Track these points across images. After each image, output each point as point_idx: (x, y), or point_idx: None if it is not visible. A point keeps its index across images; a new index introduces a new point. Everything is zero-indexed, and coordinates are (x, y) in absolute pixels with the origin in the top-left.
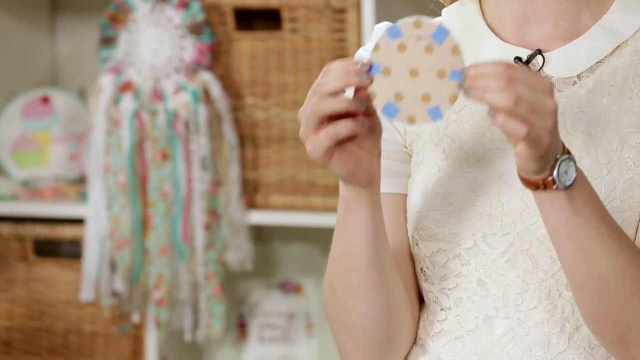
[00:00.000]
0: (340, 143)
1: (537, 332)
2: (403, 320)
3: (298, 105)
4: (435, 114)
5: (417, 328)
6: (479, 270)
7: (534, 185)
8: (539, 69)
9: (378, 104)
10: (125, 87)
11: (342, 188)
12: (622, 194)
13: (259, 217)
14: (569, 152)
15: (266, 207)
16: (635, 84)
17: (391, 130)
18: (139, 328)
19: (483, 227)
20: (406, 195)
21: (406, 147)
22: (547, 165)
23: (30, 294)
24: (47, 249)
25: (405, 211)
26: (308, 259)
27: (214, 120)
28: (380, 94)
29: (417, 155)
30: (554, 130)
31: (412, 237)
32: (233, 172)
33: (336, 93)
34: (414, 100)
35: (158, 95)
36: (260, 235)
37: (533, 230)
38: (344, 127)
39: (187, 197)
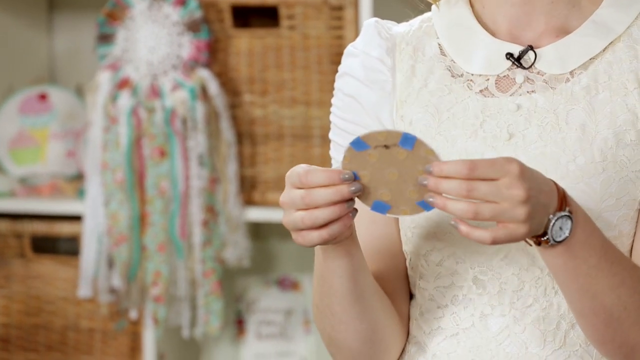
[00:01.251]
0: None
1: (533, 330)
2: (391, 337)
3: (296, 103)
4: (426, 206)
5: (411, 326)
6: (474, 268)
7: (529, 243)
8: (531, 65)
9: (367, 203)
10: (123, 84)
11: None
12: (618, 192)
13: (256, 214)
14: (563, 202)
15: (264, 204)
16: (630, 81)
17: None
18: (136, 324)
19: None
20: None
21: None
22: (538, 230)
23: (27, 291)
24: (45, 246)
25: None
26: (306, 256)
27: (212, 117)
28: (365, 195)
29: None
30: (531, 216)
31: (405, 235)
32: (231, 169)
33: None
34: (401, 197)
35: (156, 92)
36: (258, 232)
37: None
38: (337, 229)
39: (184, 194)
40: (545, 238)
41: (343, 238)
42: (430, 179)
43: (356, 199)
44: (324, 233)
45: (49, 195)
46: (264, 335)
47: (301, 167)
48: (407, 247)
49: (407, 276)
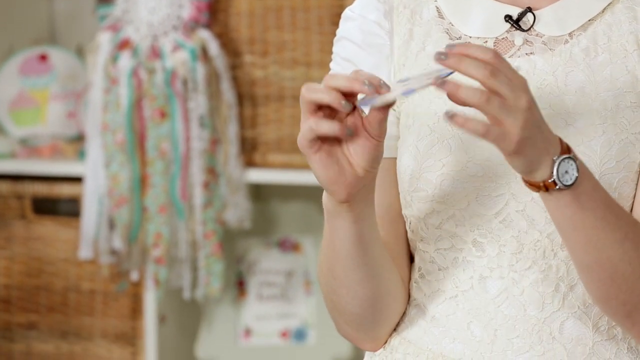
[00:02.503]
0: (329, 145)
1: (532, 292)
2: (393, 303)
3: (296, 64)
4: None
5: (411, 288)
6: (473, 231)
7: (535, 187)
8: (530, 27)
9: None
10: (123, 45)
11: (324, 196)
12: (618, 154)
13: (257, 176)
14: (568, 150)
15: (265, 165)
16: (629, 43)
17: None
18: (137, 286)
19: (476, 189)
20: (395, 158)
21: (394, 110)
22: (537, 164)
23: (28, 252)
24: (46, 207)
25: (395, 174)
26: (307, 217)
27: (212, 79)
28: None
29: (406, 117)
30: (526, 127)
31: (404, 199)
32: (231, 131)
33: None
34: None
35: (156, 53)
36: (259, 193)
37: (528, 191)
38: (325, 124)
39: (185, 155)
40: (552, 180)
41: (337, 190)
42: (453, 56)
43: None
44: (312, 122)
45: (49, 156)
46: (265, 296)
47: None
48: (406, 211)
49: (407, 240)
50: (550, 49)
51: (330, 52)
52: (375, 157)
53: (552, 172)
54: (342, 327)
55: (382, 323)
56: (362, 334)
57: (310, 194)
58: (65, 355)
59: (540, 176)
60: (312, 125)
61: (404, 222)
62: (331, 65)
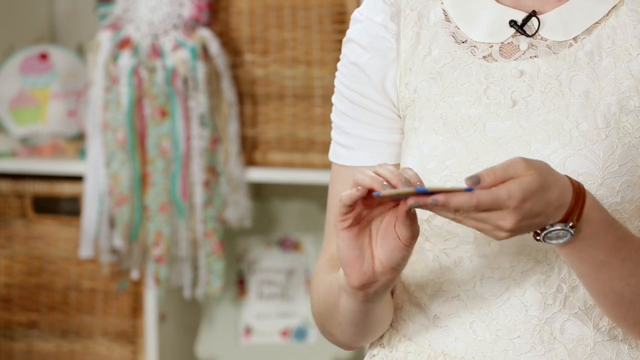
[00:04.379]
0: (360, 228)
1: (533, 293)
2: (383, 329)
3: (297, 62)
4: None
5: (412, 287)
6: (476, 232)
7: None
8: (534, 33)
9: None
10: (124, 43)
11: (342, 274)
12: (621, 158)
13: (258, 174)
14: (569, 218)
15: (265, 164)
16: (633, 47)
17: (381, 97)
18: (138, 285)
19: None
20: (397, 164)
21: (399, 114)
22: (529, 231)
23: (29, 251)
24: (46, 206)
25: None
26: (307, 216)
27: (213, 77)
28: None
29: (412, 120)
30: (513, 234)
31: None
32: (232, 129)
33: None
34: None
35: (156, 52)
36: (259, 192)
37: None
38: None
39: (185, 154)
40: (537, 238)
41: (351, 274)
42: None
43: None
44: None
45: (50, 155)
46: (265, 295)
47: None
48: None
49: None
50: (554, 53)
51: (332, 50)
52: (399, 260)
53: (540, 232)
54: (325, 334)
55: (368, 341)
56: (347, 344)
57: (311, 193)
58: (65, 354)
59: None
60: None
61: None
62: (338, 65)
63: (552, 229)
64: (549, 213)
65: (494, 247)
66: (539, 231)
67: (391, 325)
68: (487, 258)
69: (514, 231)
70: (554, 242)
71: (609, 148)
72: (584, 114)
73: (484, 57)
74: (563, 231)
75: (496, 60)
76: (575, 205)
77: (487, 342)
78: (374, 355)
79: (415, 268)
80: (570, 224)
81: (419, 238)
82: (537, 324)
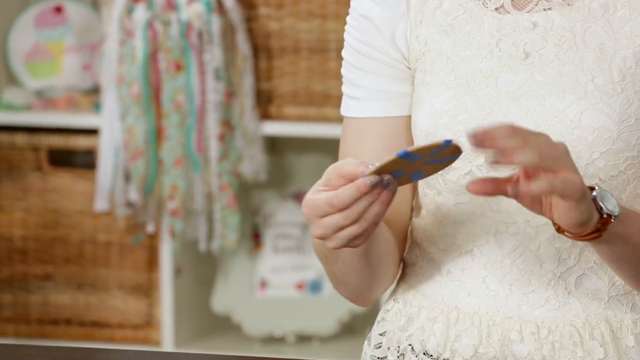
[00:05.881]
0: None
1: (548, 247)
2: (391, 275)
3: (312, 16)
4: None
5: (424, 241)
6: None
7: (597, 234)
8: None
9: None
10: None
11: None
12: (637, 112)
13: (273, 128)
14: (591, 187)
15: (280, 117)
16: None
17: (391, 49)
18: (153, 238)
19: None
20: (408, 115)
21: (409, 66)
22: (591, 206)
23: (45, 204)
24: (62, 159)
25: (407, 131)
26: (322, 170)
27: (228, 31)
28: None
29: (423, 74)
30: (575, 167)
31: None
32: (247, 83)
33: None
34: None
35: (171, 5)
36: (274, 146)
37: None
38: (356, 241)
39: (201, 108)
40: (606, 216)
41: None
42: (485, 141)
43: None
44: (340, 242)
45: (65, 108)
46: (281, 248)
47: (325, 198)
48: None
49: (410, 199)
50: (568, 4)
51: (346, 4)
52: (385, 208)
53: (601, 208)
54: (336, 287)
55: (378, 291)
56: (356, 298)
57: (326, 147)
58: (81, 306)
59: (594, 217)
60: (340, 244)
61: (407, 212)
62: (348, 19)
63: (594, 193)
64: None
65: (508, 202)
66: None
67: (404, 280)
68: (501, 213)
69: (582, 183)
70: (613, 206)
71: (625, 102)
72: (599, 67)
73: (496, 9)
74: (601, 191)
75: (508, 12)
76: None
77: (500, 296)
78: (388, 310)
79: (428, 222)
80: (595, 185)
81: (432, 192)
82: (551, 279)
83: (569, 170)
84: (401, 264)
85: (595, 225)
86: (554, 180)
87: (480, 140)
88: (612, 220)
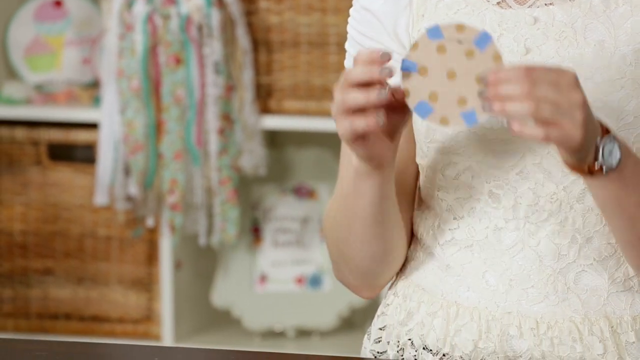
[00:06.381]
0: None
1: (548, 243)
2: (399, 257)
3: (312, 10)
4: (470, 118)
5: (425, 236)
6: (490, 182)
7: (581, 172)
8: None
9: (411, 102)
10: None
11: (354, 158)
12: (636, 110)
13: (272, 122)
14: (607, 131)
15: (280, 111)
16: None
17: (393, 42)
18: (153, 232)
19: (493, 141)
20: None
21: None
22: (589, 152)
23: (44, 198)
24: (62, 153)
25: (410, 125)
26: (322, 164)
27: (227, 25)
28: (414, 92)
29: None
30: (586, 122)
31: (421, 149)
32: (247, 77)
33: (361, 84)
34: (449, 102)
35: None
36: (274, 140)
37: (544, 144)
38: (361, 124)
39: (200, 101)
40: (598, 165)
41: (378, 159)
42: (489, 88)
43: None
44: (346, 124)
45: (65, 102)
46: (280, 243)
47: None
48: (423, 161)
49: (414, 186)
50: (570, 0)
51: None
52: (405, 122)
53: (598, 156)
54: (342, 274)
55: (384, 275)
56: (363, 282)
57: (326, 141)
58: (81, 300)
59: (587, 162)
60: (348, 127)
61: (413, 172)
62: (351, 11)
63: (603, 141)
64: (595, 124)
65: (508, 198)
66: (594, 162)
67: (404, 274)
68: (500, 209)
69: (587, 112)
70: (611, 161)
71: (624, 99)
72: (598, 65)
73: (498, 3)
74: (612, 140)
75: (510, 7)
76: (603, 124)
77: (500, 292)
78: (387, 305)
79: (428, 217)
80: (613, 134)
81: (431, 187)
82: (551, 274)
83: (571, 123)
84: None
85: (586, 166)
86: (553, 131)
87: (492, 82)
88: (604, 173)
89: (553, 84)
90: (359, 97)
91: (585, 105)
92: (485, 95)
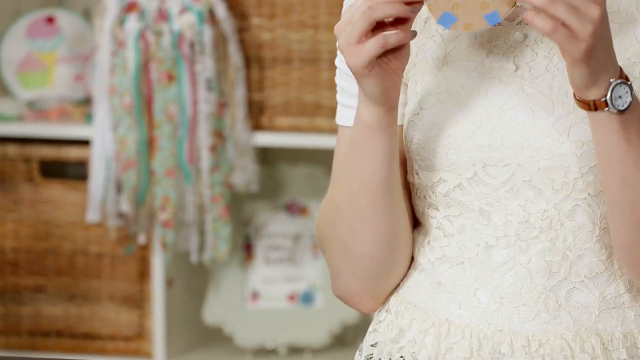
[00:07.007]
0: (379, 58)
1: (539, 260)
2: (405, 246)
3: (304, 26)
4: (493, 18)
5: (417, 252)
6: (480, 200)
7: (586, 105)
8: None
9: (435, 14)
10: (131, 7)
11: (364, 112)
12: None
13: (264, 139)
14: (627, 78)
15: (272, 128)
16: (638, 11)
17: None
18: (145, 249)
19: (483, 158)
20: (401, 125)
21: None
22: (597, 81)
23: (36, 215)
24: (53, 170)
25: (400, 140)
26: (314, 181)
27: (220, 41)
28: (437, 5)
29: (414, 84)
30: (597, 36)
31: (411, 166)
32: (239, 94)
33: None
34: (471, 8)
35: (163, 15)
36: (266, 156)
37: (535, 161)
38: (394, 36)
39: (192, 118)
40: (604, 100)
41: (389, 98)
42: None
43: (427, 9)
44: (380, 37)
45: (57, 119)
46: (272, 260)
47: None
48: (413, 178)
49: (409, 202)
50: None
51: (338, 15)
52: (408, 54)
53: (607, 93)
54: (344, 281)
55: (389, 272)
56: (367, 284)
57: (318, 158)
58: (73, 317)
59: (594, 94)
60: (380, 41)
61: (409, 190)
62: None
63: (617, 81)
64: (611, 51)
65: (498, 216)
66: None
67: (396, 290)
68: (491, 227)
69: (599, 31)
70: (620, 103)
71: None
72: None
73: None
74: (625, 86)
75: (500, 24)
76: (623, 70)
77: (491, 309)
78: (379, 321)
79: (419, 234)
80: (630, 83)
81: (422, 204)
82: (542, 292)
83: (581, 29)
84: None
85: (593, 99)
86: (561, 30)
87: None
88: (608, 109)
89: (575, 6)
90: (390, 9)
91: (601, 22)
92: None
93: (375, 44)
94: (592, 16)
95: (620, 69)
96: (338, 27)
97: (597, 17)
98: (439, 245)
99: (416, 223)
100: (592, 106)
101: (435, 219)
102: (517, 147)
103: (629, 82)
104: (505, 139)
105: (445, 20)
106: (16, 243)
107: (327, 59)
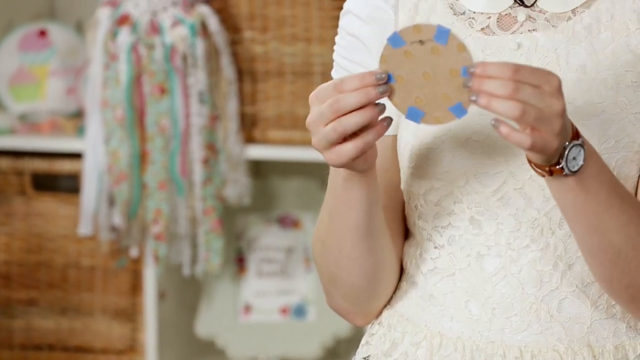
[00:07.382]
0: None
1: (530, 270)
2: (390, 275)
3: (296, 39)
4: (459, 111)
5: (409, 264)
6: (471, 209)
7: (542, 173)
8: (533, 3)
9: (401, 110)
10: (123, 20)
11: (344, 171)
12: (617, 134)
13: (257, 152)
14: (577, 136)
15: (264, 141)
16: (632, 21)
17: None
18: (137, 262)
19: (475, 166)
20: (395, 136)
21: None
22: (555, 156)
23: (28, 228)
24: (45, 183)
25: (395, 151)
26: (306, 194)
27: (212, 54)
28: (401, 101)
29: None
30: (562, 130)
31: (404, 174)
32: (231, 107)
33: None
34: (434, 102)
35: (155, 28)
36: (259, 170)
37: (526, 169)
38: (372, 135)
39: (185, 131)
40: (559, 167)
41: (371, 162)
42: (474, 80)
43: (392, 106)
44: (358, 142)
45: (49, 132)
46: (265, 273)
47: (332, 81)
48: (405, 186)
49: (403, 216)
50: (552, 26)
51: (331, 27)
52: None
53: (561, 159)
54: (335, 301)
55: (378, 296)
56: (357, 307)
57: (311, 171)
58: (65, 331)
59: (548, 161)
60: (359, 146)
61: (402, 199)
62: (337, 39)
63: (570, 145)
64: (568, 129)
65: (489, 225)
66: (557, 163)
67: (389, 303)
68: (482, 236)
69: (564, 120)
70: (574, 165)
71: (604, 123)
72: (579, 89)
73: (482, 29)
74: (579, 147)
75: (494, 33)
76: (574, 125)
77: (483, 321)
78: (372, 334)
79: (410, 245)
80: (581, 140)
81: (413, 214)
82: (533, 302)
83: (550, 131)
84: None
85: (547, 165)
86: (537, 138)
87: (478, 73)
88: (564, 173)
89: (537, 88)
90: (359, 118)
91: (564, 114)
92: (469, 86)
93: (354, 149)
94: (557, 112)
95: (573, 128)
96: (310, 118)
97: (561, 110)
98: (430, 257)
99: (408, 234)
100: (548, 172)
101: (425, 230)
102: (509, 155)
103: (580, 141)
104: (498, 147)
105: (413, 115)
106: (8, 256)
107: (319, 72)
